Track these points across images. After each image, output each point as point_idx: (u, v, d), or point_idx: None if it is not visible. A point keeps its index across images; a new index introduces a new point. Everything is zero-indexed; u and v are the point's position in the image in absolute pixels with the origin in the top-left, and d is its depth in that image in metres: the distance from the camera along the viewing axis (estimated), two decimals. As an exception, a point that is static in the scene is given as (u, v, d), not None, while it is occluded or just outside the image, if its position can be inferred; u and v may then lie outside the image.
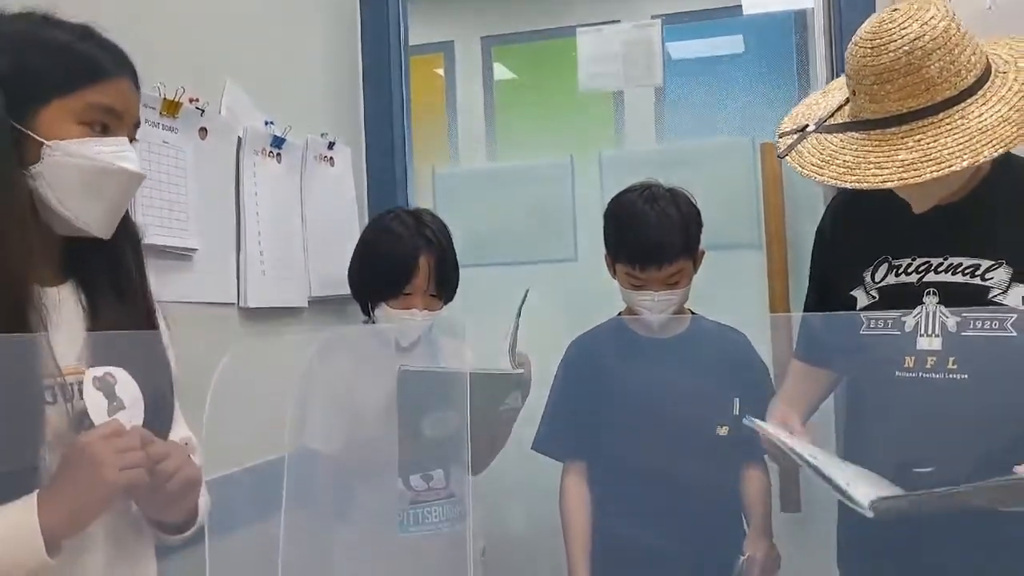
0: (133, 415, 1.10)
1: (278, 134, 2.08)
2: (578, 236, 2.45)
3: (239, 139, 1.97)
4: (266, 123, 2.05)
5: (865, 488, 1.32)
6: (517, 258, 2.50)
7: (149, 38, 1.48)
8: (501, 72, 3.05)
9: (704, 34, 2.88)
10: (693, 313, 1.94)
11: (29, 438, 1.03)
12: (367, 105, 2.55)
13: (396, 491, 1.57)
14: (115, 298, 1.17)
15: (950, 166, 1.29)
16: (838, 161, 1.40)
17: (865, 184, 1.35)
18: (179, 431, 1.27)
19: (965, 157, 1.29)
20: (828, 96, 1.58)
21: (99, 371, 1.10)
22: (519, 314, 1.75)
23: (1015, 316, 1.40)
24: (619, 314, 1.95)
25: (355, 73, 2.52)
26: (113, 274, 1.18)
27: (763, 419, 1.77)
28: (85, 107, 1.10)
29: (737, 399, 1.82)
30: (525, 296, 1.74)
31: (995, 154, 1.30)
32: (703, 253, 1.87)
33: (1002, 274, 1.42)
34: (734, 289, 2.31)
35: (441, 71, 3.14)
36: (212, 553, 1.02)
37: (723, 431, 1.81)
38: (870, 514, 1.28)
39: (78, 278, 1.17)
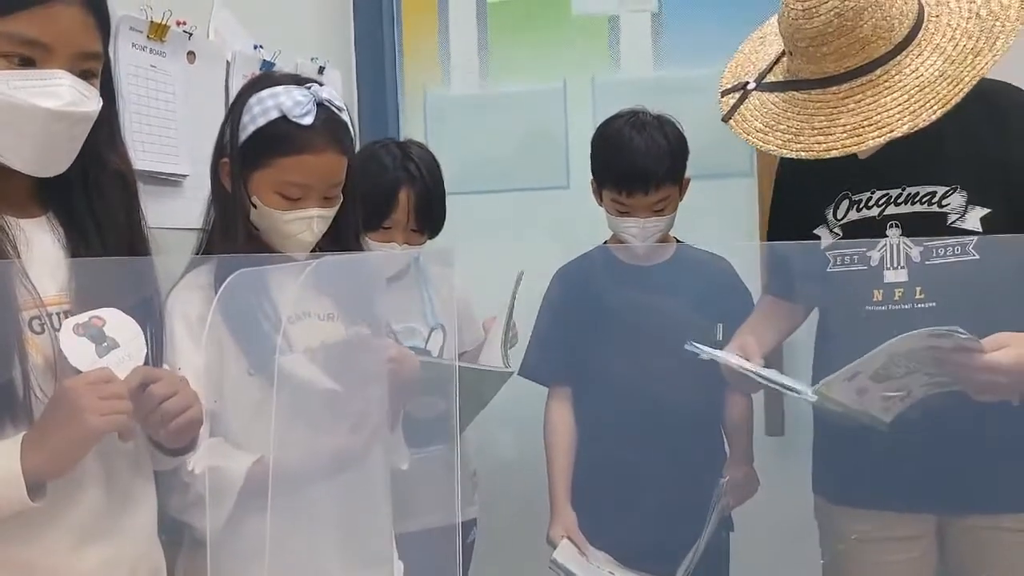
0: (132, 350, 1.08)
1: (267, 58, 2.06)
2: (570, 163, 2.45)
3: (228, 63, 1.96)
4: (255, 47, 2.04)
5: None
6: (508, 185, 2.50)
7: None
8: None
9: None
10: (679, 241, 1.96)
11: (6, 363, 1.01)
12: (357, 28, 2.52)
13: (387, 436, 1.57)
14: (95, 231, 1.14)
15: (891, 131, 1.32)
16: (782, 127, 1.41)
17: (810, 154, 1.37)
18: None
19: (905, 120, 1.31)
20: (766, 44, 1.57)
21: (83, 317, 1.06)
22: (512, 305, 1.70)
23: (975, 239, 1.43)
24: (605, 243, 1.97)
25: (345, -6, 2.49)
26: (92, 208, 1.15)
27: None
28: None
29: (720, 325, 1.85)
30: (519, 281, 1.71)
31: (935, 117, 1.31)
32: (688, 181, 1.88)
33: (958, 199, 1.45)
34: (726, 217, 2.32)
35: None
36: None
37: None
38: (813, 398, 1.35)
39: (55, 212, 1.15)
